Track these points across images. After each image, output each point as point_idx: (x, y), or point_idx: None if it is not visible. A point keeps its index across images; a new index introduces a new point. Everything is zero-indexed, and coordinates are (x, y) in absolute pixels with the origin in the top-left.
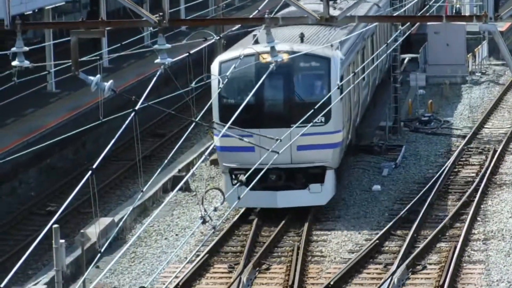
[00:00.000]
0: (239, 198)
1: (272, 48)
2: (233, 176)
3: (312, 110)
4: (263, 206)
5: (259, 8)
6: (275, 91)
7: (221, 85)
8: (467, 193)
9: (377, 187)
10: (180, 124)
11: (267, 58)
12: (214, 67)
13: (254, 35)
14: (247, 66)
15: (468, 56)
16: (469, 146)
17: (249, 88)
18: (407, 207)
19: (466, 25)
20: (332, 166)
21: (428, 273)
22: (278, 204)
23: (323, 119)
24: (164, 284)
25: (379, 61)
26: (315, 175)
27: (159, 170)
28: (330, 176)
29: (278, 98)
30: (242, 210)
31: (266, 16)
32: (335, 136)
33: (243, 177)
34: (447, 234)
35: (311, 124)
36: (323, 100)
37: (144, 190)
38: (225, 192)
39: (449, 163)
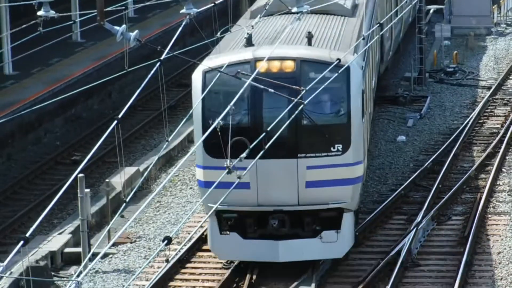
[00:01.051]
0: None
1: None
2: (222, 221)
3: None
4: (260, 260)
5: None
6: (277, 111)
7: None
8: (492, 144)
9: (402, 137)
10: None
11: (268, 65)
12: (197, 78)
13: (248, 34)
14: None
15: (493, 7)
16: (494, 97)
17: (244, 106)
18: (432, 158)
19: None
20: (350, 207)
21: (453, 224)
22: (280, 257)
23: (340, 147)
24: (189, 233)
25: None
26: (329, 219)
27: (184, 120)
28: (348, 220)
29: (281, 120)
30: None
31: None
32: (355, 169)
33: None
34: (472, 185)
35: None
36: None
37: (169, 140)
38: (212, 242)
39: (474, 114)
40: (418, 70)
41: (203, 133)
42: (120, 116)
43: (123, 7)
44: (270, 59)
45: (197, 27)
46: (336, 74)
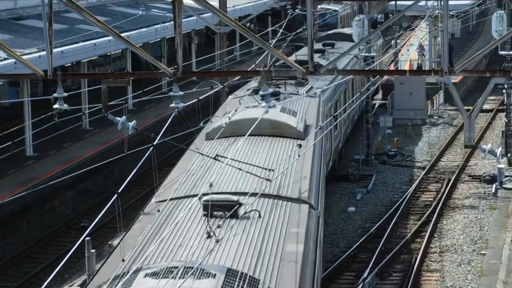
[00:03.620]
0: None
1: (266, 95)
2: None
3: None
4: None
5: (256, 63)
6: None
7: None
8: (426, 214)
9: (351, 208)
10: None
11: None
12: None
13: None
14: None
15: (427, 102)
16: (428, 175)
17: None
18: (376, 225)
19: (426, 77)
20: None
21: (394, 279)
22: None
23: None
24: None
25: None
26: None
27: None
28: None
29: None
30: None
31: (261, 69)
32: None
33: None
34: (409, 247)
35: None
36: None
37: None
38: None
39: (411, 189)
40: (365, 153)
41: None
42: (119, 190)
43: (124, 101)
44: None
45: (184, 118)
46: None
